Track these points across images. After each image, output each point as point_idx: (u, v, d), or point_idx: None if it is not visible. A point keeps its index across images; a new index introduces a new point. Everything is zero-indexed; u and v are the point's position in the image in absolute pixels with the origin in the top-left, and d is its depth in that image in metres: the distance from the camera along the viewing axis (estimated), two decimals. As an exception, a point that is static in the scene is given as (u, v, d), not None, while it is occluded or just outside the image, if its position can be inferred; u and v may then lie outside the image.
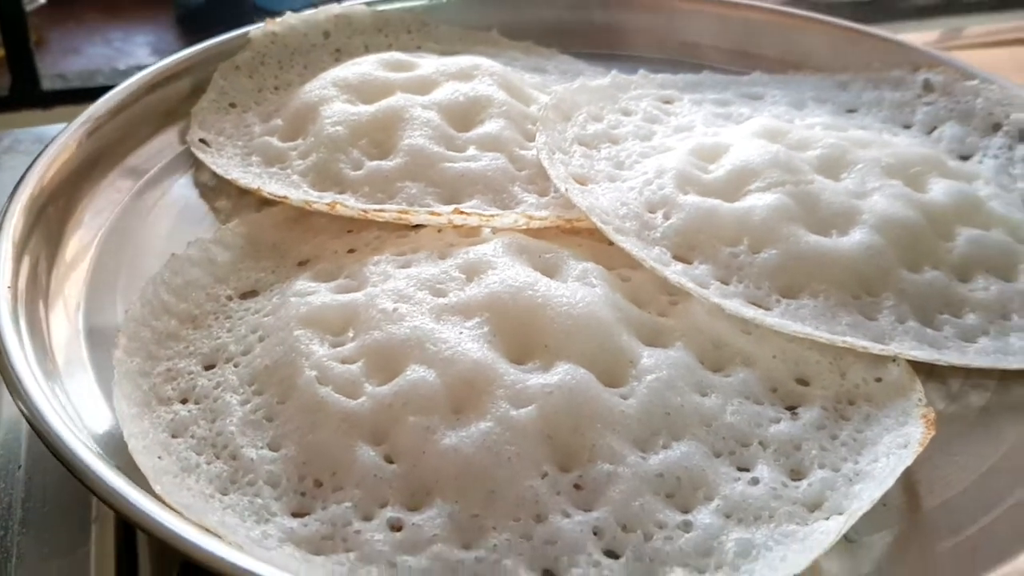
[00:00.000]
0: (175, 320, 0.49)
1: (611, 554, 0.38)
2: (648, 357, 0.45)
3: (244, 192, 0.61)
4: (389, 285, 0.48)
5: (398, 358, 0.44)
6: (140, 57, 1.28)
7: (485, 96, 0.64)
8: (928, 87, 0.70)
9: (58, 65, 1.24)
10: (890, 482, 0.39)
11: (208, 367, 0.47)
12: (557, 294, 0.46)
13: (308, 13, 0.73)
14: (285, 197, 0.56)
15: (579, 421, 0.41)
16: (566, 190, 0.55)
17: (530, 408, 0.41)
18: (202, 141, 0.64)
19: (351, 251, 0.54)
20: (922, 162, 0.59)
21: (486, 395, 0.42)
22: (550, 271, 0.50)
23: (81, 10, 1.27)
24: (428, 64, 0.68)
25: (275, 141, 0.63)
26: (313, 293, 0.49)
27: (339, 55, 0.74)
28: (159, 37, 1.34)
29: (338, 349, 0.45)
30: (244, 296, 0.52)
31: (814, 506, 0.40)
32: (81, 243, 0.55)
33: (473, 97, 0.64)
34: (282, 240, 0.56)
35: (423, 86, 0.65)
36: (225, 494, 0.40)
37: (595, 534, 0.38)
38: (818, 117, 0.67)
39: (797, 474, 0.42)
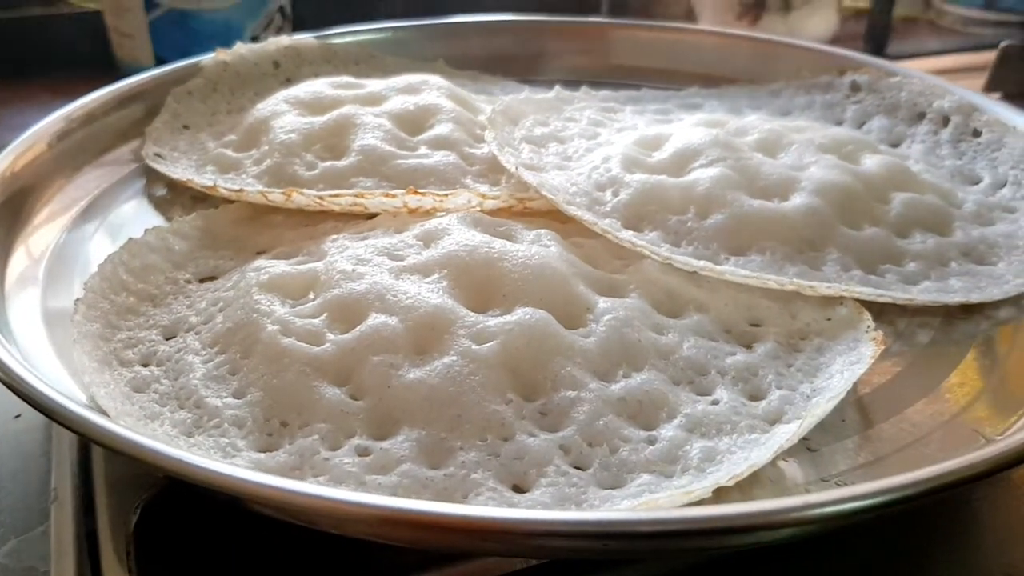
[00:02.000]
0: (133, 298, 0.49)
1: (578, 468, 0.38)
2: (604, 303, 0.46)
3: (198, 201, 0.62)
4: (349, 253, 0.49)
5: (359, 309, 0.44)
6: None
7: (434, 105, 0.66)
8: (855, 87, 0.74)
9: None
10: (846, 387, 0.40)
11: (169, 337, 0.47)
12: (513, 249, 0.48)
13: (258, 45, 0.76)
14: (241, 191, 0.57)
15: (540, 355, 0.42)
16: (517, 170, 0.56)
17: (492, 343, 0.42)
18: (157, 155, 0.65)
19: (308, 240, 0.55)
20: (854, 142, 0.62)
21: (448, 335, 0.42)
22: (504, 239, 0.51)
23: (30, 90, 1.29)
24: (376, 83, 0.71)
25: (229, 152, 0.64)
26: (272, 267, 0.49)
27: (289, 84, 0.76)
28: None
29: (300, 307, 0.45)
30: (203, 280, 0.52)
31: (774, 420, 0.41)
32: (32, 254, 0.55)
33: (423, 106, 0.66)
34: (239, 235, 0.56)
35: (373, 100, 0.68)
36: (191, 436, 0.40)
37: (561, 450, 0.39)
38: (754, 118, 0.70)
39: (755, 396, 0.43)
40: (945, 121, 0.68)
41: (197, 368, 0.44)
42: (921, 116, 0.70)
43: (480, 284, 0.46)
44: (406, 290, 0.45)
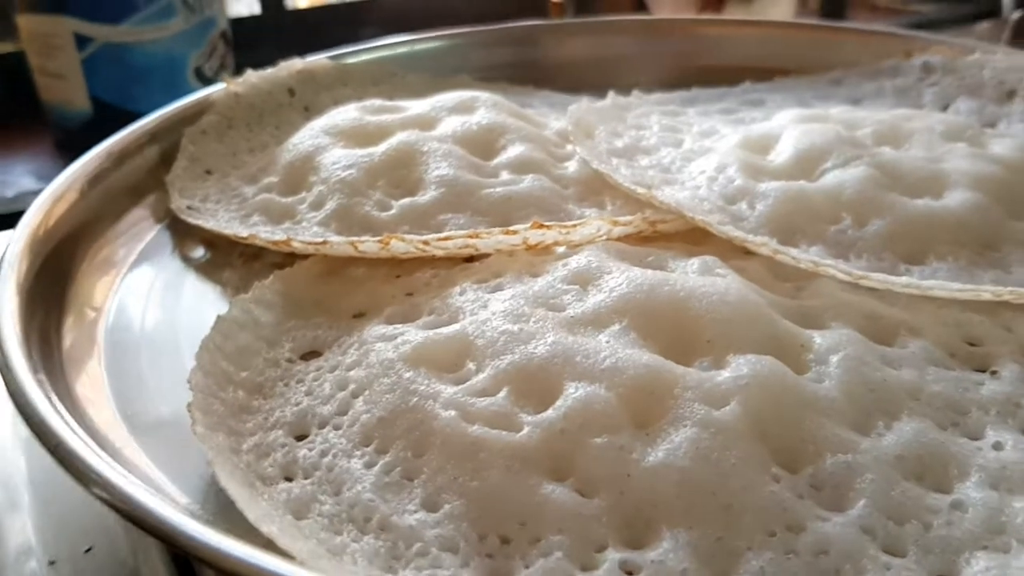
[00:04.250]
0: (242, 391, 0.39)
1: (892, 553, 0.31)
2: (819, 338, 0.39)
3: (250, 258, 0.53)
4: (495, 308, 0.40)
5: (548, 379, 0.36)
6: (25, 185, 1.17)
7: (498, 123, 0.58)
8: (928, 69, 0.69)
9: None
10: None
11: (300, 437, 0.37)
12: (698, 285, 0.40)
13: (270, 71, 0.66)
14: (324, 242, 0.47)
15: (787, 413, 0.35)
16: (641, 192, 0.49)
17: (732, 405, 0.34)
18: (190, 208, 0.54)
19: (410, 294, 0.46)
20: (971, 126, 0.57)
21: (671, 400, 0.35)
22: (659, 270, 0.44)
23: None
24: (418, 104, 0.62)
25: (275, 197, 0.55)
26: (402, 334, 0.41)
27: (308, 113, 0.66)
28: (40, 164, 1.23)
29: (467, 384, 0.37)
30: (305, 357, 0.43)
31: (1078, 459, 0.35)
32: (80, 345, 0.45)
33: (486, 126, 0.58)
34: (324, 295, 0.47)
35: (424, 123, 0.59)
36: (394, 574, 0.31)
37: (865, 532, 0.31)
38: (835, 109, 0.64)
39: (1034, 433, 0.36)
40: (1042, 97, 0.64)
41: (360, 475, 0.34)
42: (1012, 94, 0.65)
43: (674, 330, 0.38)
44: (598, 348, 0.37)
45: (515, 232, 0.46)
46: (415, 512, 0.33)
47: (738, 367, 0.36)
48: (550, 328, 0.38)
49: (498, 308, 0.40)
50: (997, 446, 0.35)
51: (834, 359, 0.37)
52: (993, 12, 1.36)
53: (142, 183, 0.58)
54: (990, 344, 0.41)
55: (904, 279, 0.43)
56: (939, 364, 0.40)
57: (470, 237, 0.46)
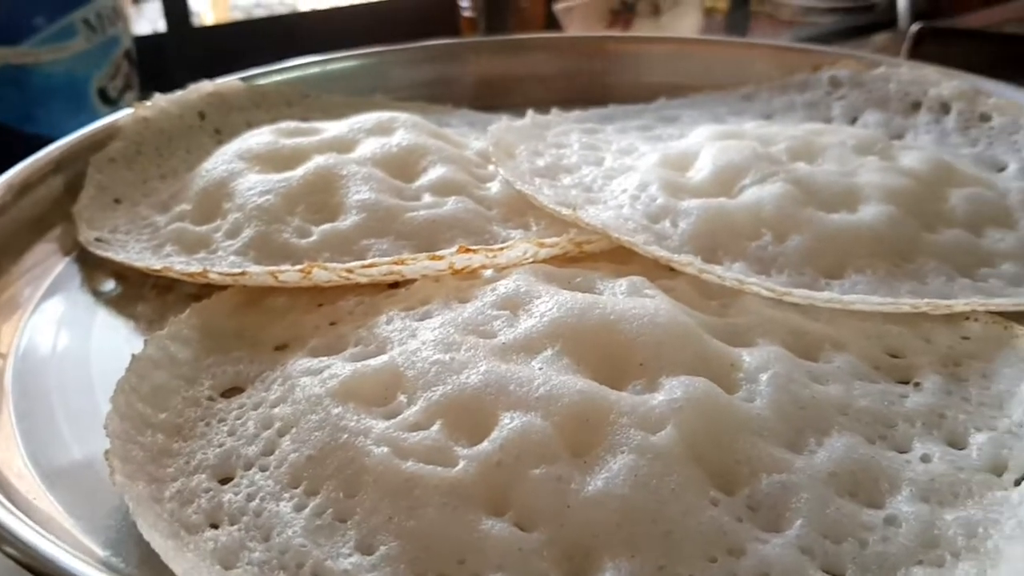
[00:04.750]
0: (160, 434, 0.38)
1: (831, 573, 0.31)
2: (748, 356, 0.39)
3: (164, 290, 0.51)
4: (424, 337, 0.39)
5: (482, 410, 0.35)
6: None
7: (418, 145, 0.57)
8: (835, 83, 0.70)
9: None
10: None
11: (225, 480, 0.36)
12: (628, 307, 0.40)
13: (179, 94, 0.64)
14: (242, 273, 0.46)
15: (720, 435, 0.35)
16: (566, 213, 0.49)
17: (667, 429, 0.34)
18: (99, 241, 0.52)
19: (333, 323, 0.45)
20: (880, 139, 0.58)
21: (607, 426, 0.34)
22: (588, 292, 0.44)
23: None
24: (335, 126, 0.61)
25: (188, 226, 0.53)
26: (329, 367, 0.39)
27: (220, 136, 0.65)
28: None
29: (399, 418, 0.36)
30: (227, 394, 0.41)
31: (998, 470, 0.35)
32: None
33: (407, 147, 0.57)
34: (244, 327, 0.46)
35: (343, 146, 0.58)
36: (333, 622, 0.30)
37: (804, 552, 0.31)
38: (748, 125, 0.65)
39: (956, 443, 0.37)
40: (945, 108, 0.66)
41: (290, 519, 0.33)
42: (916, 106, 0.67)
43: (606, 354, 0.38)
44: (531, 376, 0.36)
45: (441, 257, 0.45)
46: (350, 555, 0.32)
47: (671, 390, 0.36)
48: (482, 356, 0.38)
49: (427, 337, 0.39)
50: (925, 458, 0.36)
51: (763, 377, 0.38)
52: (891, 23, 1.41)
53: (47, 215, 0.55)
54: (911, 355, 0.42)
55: (826, 294, 0.44)
56: (864, 378, 0.40)
57: (395, 264, 0.45)
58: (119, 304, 0.50)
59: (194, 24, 1.18)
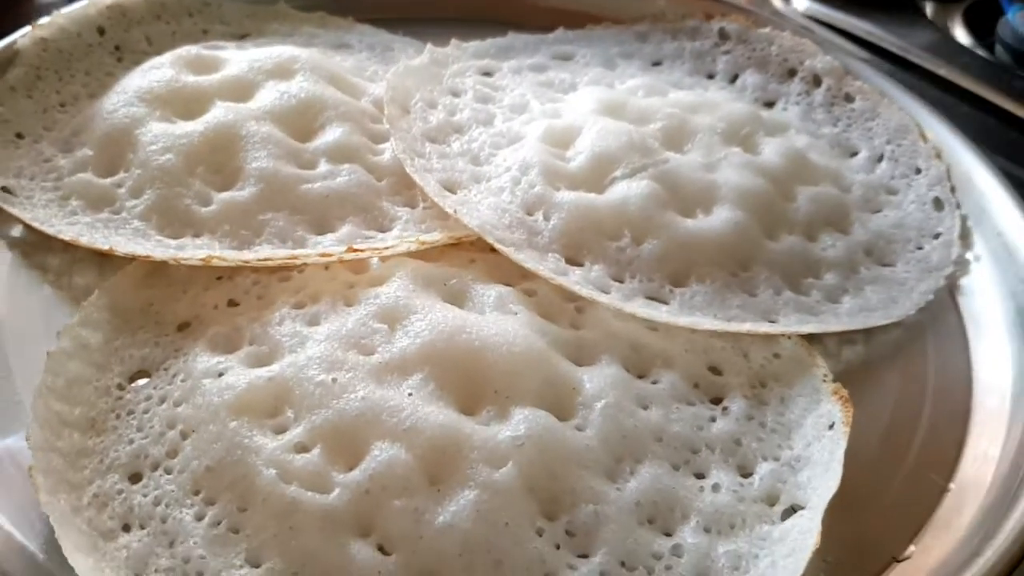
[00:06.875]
0: (76, 432, 0.43)
1: (622, 596, 0.40)
2: (588, 381, 0.46)
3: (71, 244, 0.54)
4: (312, 351, 0.45)
5: (357, 437, 0.42)
6: None
7: (317, 97, 0.60)
8: (724, 35, 0.74)
9: None
10: (838, 470, 0.44)
11: (134, 478, 0.42)
12: (491, 333, 0.46)
13: (77, 7, 0.64)
14: (148, 256, 0.50)
15: (553, 466, 0.42)
16: (452, 211, 0.53)
17: (508, 467, 0.41)
18: (3, 189, 0.55)
19: (232, 303, 0.50)
20: (746, 121, 0.63)
21: (460, 460, 0.41)
22: (459, 299, 0.50)
23: None
24: (237, 60, 0.63)
25: (92, 178, 0.56)
26: (226, 372, 0.45)
27: (120, 53, 0.66)
28: None
29: (286, 437, 0.42)
30: (133, 378, 0.47)
31: (772, 500, 0.44)
32: None
33: (304, 99, 0.60)
34: (150, 301, 0.50)
35: (242, 89, 0.60)
36: (224, 633, 0.37)
37: (605, 580, 0.40)
38: (635, 79, 0.69)
39: (745, 470, 0.46)
40: (817, 81, 0.71)
41: (191, 528, 0.40)
42: (792, 73, 0.72)
43: (468, 381, 0.45)
44: (400, 406, 0.43)
45: (330, 255, 0.50)
46: (240, 567, 0.39)
47: (516, 425, 0.43)
48: (360, 379, 0.44)
49: (313, 353, 0.45)
50: (715, 488, 0.44)
51: (598, 406, 0.45)
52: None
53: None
54: (728, 374, 0.50)
55: (664, 315, 0.51)
56: (683, 399, 0.48)
57: (289, 259, 0.50)
58: (30, 252, 0.54)
59: None
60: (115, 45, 0.66)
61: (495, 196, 0.56)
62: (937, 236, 0.60)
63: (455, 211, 0.53)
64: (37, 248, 0.54)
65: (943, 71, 0.81)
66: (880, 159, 0.66)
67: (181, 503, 0.41)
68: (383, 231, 0.54)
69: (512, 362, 0.45)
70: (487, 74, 0.70)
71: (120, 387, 0.46)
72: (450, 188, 0.56)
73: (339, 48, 0.71)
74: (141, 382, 0.47)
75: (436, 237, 0.53)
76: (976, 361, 0.54)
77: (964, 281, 0.59)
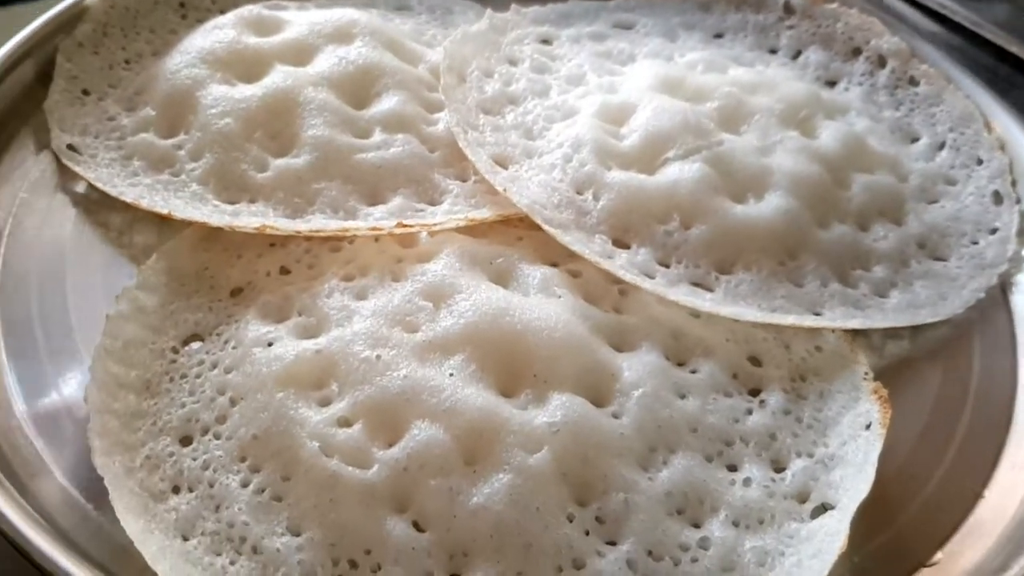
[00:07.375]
0: (132, 394, 0.45)
1: (647, 584, 0.41)
2: (627, 369, 0.47)
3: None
4: (358, 327, 0.46)
5: (398, 415, 0.43)
6: None
7: (374, 64, 0.60)
8: (789, 9, 0.73)
9: None
10: (871, 472, 0.44)
11: (185, 441, 0.44)
12: (533, 317, 0.47)
13: (145, -36, 0.65)
14: (204, 222, 0.51)
15: (587, 452, 0.43)
16: (502, 189, 0.54)
17: (543, 452, 0.42)
18: (69, 147, 0.56)
19: (284, 271, 0.52)
20: (805, 103, 0.62)
21: (497, 443, 0.43)
22: (504, 279, 0.51)
23: None
24: (297, 22, 0.63)
25: (154, 139, 0.57)
26: (275, 342, 0.47)
27: (184, 10, 0.67)
28: None
29: (329, 410, 0.44)
30: (187, 342, 0.49)
31: (802, 497, 0.45)
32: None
33: (362, 66, 0.60)
34: (205, 264, 0.52)
35: (301, 53, 0.61)
36: (261, 597, 0.39)
37: (630, 567, 0.41)
38: (695, 52, 0.68)
39: (778, 465, 0.46)
40: (882, 62, 0.69)
41: (236, 494, 0.42)
42: (857, 52, 0.70)
43: (508, 363, 0.46)
44: (441, 386, 0.44)
45: (380, 229, 0.51)
46: (282, 535, 0.41)
47: (553, 411, 0.44)
48: (403, 357, 0.45)
49: (360, 328, 0.46)
50: (746, 482, 0.45)
51: (635, 395, 0.46)
52: None
53: (22, 107, 0.58)
54: (769, 365, 0.50)
55: (708, 303, 0.51)
56: (721, 390, 0.48)
57: (341, 231, 0.51)
58: (92, 211, 0.56)
59: None
60: (179, 2, 0.67)
61: (546, 173, 0.57)
62: (994, 231, 0.59)
63: (505, 189, 0.53)
64: (100, 205, 0.56)
65: (1015, 48, 0.78)
66: (941, 147, 0.65)
67: (228, 469, 0.43)
68: (433, 204, 0.55)
69: (552, 347, 0.46)
70: (545, 42, 0.69)
71: (174, 350, 0.48)
72: (501, 163, 0.57)
73: (399, 10, 0.71)
74: (194, 346, 0.49)
75: (485, 214, 0.53)
76: (1023, 364, 0.53)
77: (1019, 279, 0.57)
